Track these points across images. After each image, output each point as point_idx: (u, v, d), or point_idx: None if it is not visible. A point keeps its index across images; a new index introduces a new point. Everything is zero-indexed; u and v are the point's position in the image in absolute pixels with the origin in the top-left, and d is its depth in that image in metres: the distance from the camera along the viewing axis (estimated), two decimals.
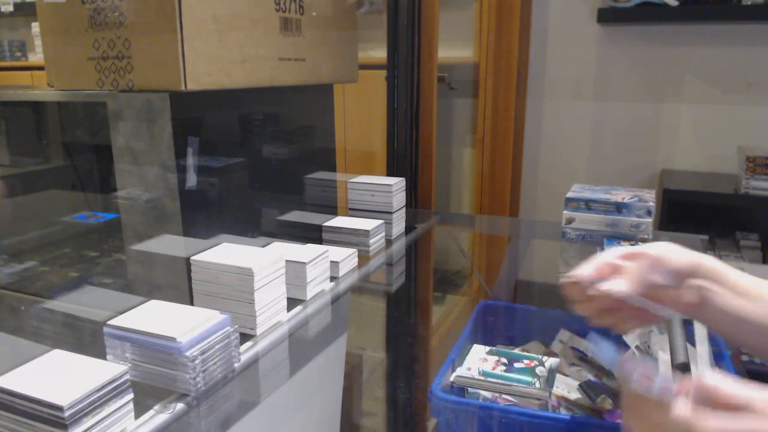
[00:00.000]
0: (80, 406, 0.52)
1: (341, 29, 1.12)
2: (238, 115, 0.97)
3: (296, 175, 1.14)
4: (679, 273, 0.59)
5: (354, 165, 2.11)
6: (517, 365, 0.76)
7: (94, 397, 0.53)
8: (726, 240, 1.90)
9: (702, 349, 0.69)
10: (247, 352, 0.73)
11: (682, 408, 0.43)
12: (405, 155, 1.48)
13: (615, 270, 0.62)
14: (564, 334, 1.03)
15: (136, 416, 0.58)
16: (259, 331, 0.77)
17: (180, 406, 0.62)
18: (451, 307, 1.31)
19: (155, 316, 0.66)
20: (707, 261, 0.60)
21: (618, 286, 0.59)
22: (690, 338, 0.77)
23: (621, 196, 1.20)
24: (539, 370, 0.74)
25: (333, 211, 1.20)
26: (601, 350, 0.50)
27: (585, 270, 0.62)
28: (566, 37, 2.09)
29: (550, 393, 0.70)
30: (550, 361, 0.77)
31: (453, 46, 2.23)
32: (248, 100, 0.98)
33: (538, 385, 0.70)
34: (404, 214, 1.26)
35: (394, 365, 0.94)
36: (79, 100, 0.93)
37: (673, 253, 0.60)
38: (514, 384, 0.71)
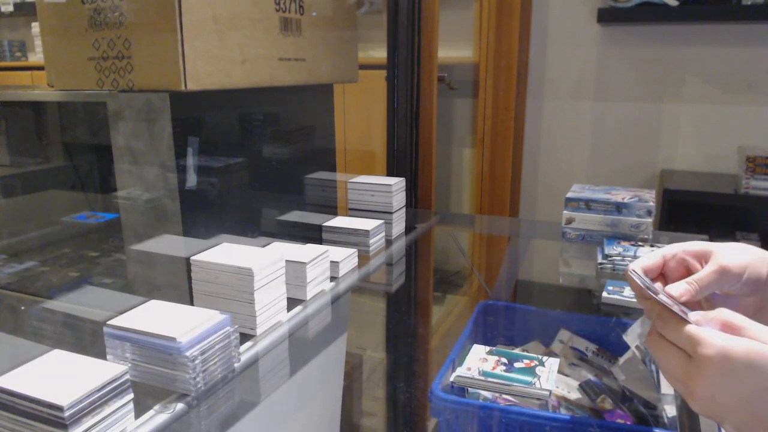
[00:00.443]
0: (80, 406, 0.52)
1: (341, 29, 1.12)
2: (238, 115, 0.97)
3: (296, 175, 1.14)
4: (749, 286, 0.55)
5: (354, 165, 2.11)
6: (517, 365, 0.76)
7: (94, 397, 0.53)
8: (726, 240, 1.89)
9: None
10: (247, 352, 0.73)
11: (693, 326, 0.48)
12: (405, 155, 1.48)
13: (683, 267, 0.58)
14: (564, 334, 1.03)
15: (136, 416, 0.59)
16: (259, 331, 0.77)
17: (180, 406, 0.62)
18: (451, 307, 1.31)
19: (155, 316, 0.66)
20: None
21: (677, 290, 0.54)
22: None
23: (621, 196, 1.20)
24: (539, 369, 0.74)
25: (333, 211, 1.20)
26: (637, 276, 0.54)
27: (649, 261, 0.58)
28: (566, 37, 2.09)
29: (550, 393, 0.70)
30: (550, 361, 0.77)
31: (453, 46, 2.23)
32: (248, 100, 0.98)
33: (538, 384, 0.70)
34: (404, 214, 1.26)
35: (394, 365, 0.94)
36: (79, 100, 0.93)
37: (751, 267, 0.55)
38: (514, 384, 0.71)
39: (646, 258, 0.58)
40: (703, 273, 0.55)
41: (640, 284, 0.53)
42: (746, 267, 0.55)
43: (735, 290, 0.56)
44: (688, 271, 0.58)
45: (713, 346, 0.45)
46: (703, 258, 0.57)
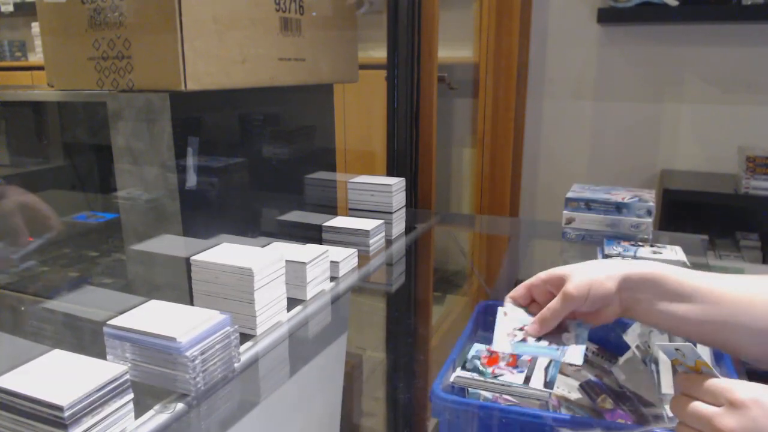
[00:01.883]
0: (80, 406, 0.52)
1: (341, 29, 1.12)
2: (238, 115, 0.97)
3: (296, 175, 1.14)
4: (599, 301, 0.62)
5: (354, 165, 2.11)
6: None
7: (94, 397, 0.53)
8: (726, 240, 1.90)
9: (702, 348, 0.69)
10: (247, 352, 0.73)
11: (721, 378, 0.49)
12: (405, 155, 1.48)
13: (548, 292, 0.66)
14: None
15: (136, 416, 0.58)
16: (259, 331, 0.77)
17: (180, 406, 0.62)
18: (451, 307, 1.30)
19: (155, 316, 0.66)
20: (636, 271, 0.62)
21: (532, 329, 0.65)
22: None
23: (621, 196, 1.20)
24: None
25: (333, 211, 1.20)
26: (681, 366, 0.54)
27: (516, 291, 0.68)
28: (566, 37, 2.09)
29: (550, 393, 0.70)
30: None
31: (453, 46, 2.23)
32: (248, 100, 0.98)
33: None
34: (404, 214, 1.26)
35: (394, 365, 0.94)
36: (79, 100, 0.93)
37: (594, 285, 0.61)
38: (515, 384, 0.71)
39: (514, 289, 0.68)
40: (552, 303, 0.63)
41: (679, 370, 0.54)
42: (589, 288, 0.61)
43: (586, 308, 0.63)
44: (553, 296, 0.65)
45: (747, 389, 0.47)
46: (560, 283, 0.64)
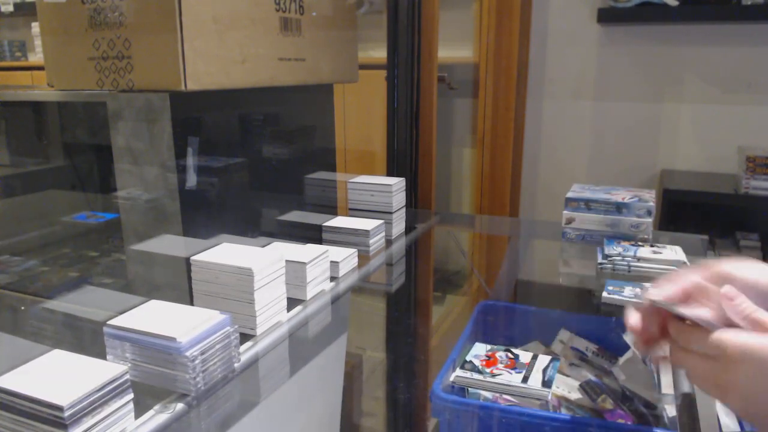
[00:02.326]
0: (80, 406, 0.52)
1: (341, 29, 1.12)
2: (238, 115, 0.97)
3: (296, 175, 1.14)
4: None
5: (354, 165, 2.11)
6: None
7: (94, 397, 0.53)
8: (726, 240, 1.90)
9: None
10: (247, 352, 0.73)
11: (717, 331, 0.47)
12: (405, 155, 1.48)
13: (700, 292, 0.55)
14: (564, 334, 1.03)
15: (136, 416, 0.58)
16: (259, 331, 0.77)
17: (180, 406, 0.62)
18: (451, 307, 1.30)
19: (155, 316, 0.66)
20: None
21: (704, 314, 0.52)
22: None
23: (621, 196, 1.20)
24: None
25: (333, 211, 1.20)
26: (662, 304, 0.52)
27: (666, 290, 0.55)
28: (566, 37, 2.09)
29: (550, 392, 0.70)
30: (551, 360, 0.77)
31: (453, 46, 2.23)
32: (248, 100, 0.98)
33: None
34: (404, 214, 1.26)
35: (394, 365, 0.94)
36: (79, 100, 0.93)
37: (760, 278, 0.53)
38: (514, 384, 0.71)
39: (661, 291, 0.56)
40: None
41: (668, 309, 0.51)
42: (762, 277, 0.53)
43: (759, 305, 0.53)
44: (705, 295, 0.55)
45: (736, 345, 0.45)
46: (720, 280, 0.54)
